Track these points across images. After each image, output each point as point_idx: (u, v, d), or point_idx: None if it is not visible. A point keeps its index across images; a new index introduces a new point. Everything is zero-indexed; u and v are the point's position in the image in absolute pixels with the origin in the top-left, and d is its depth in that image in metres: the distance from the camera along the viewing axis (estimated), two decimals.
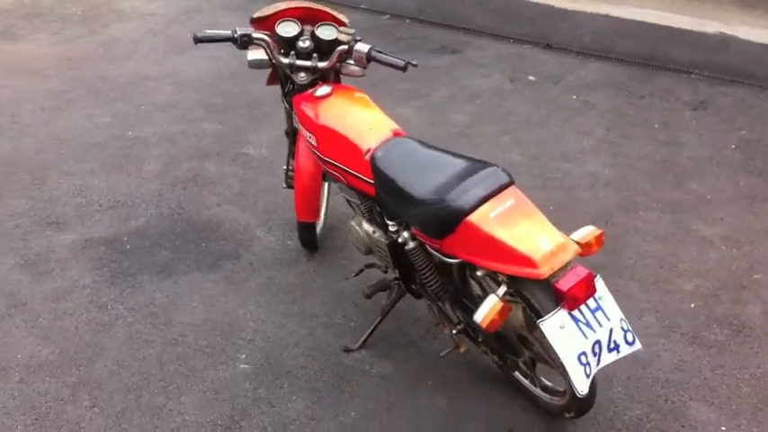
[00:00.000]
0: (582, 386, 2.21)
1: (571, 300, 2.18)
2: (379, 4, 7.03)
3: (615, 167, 4.46)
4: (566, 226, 2.43)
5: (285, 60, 3.02)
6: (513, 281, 2.33)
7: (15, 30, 6.46)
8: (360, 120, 2.84)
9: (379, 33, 6.41)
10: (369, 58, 2.93)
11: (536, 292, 2.29)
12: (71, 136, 4.76)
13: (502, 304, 2.30)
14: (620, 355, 2.29)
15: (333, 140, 2.83)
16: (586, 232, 2.36)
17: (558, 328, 2.20)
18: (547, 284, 2.23)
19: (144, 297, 3.42)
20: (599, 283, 2.27)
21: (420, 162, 2.56)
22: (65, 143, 4.69)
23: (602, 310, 2.26)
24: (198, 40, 2.96)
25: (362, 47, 2.95)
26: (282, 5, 3.10)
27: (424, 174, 2.49)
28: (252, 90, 5.32)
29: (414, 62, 2.91)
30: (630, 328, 2.33)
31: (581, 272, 2.20)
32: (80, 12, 6.87)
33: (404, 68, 2.87)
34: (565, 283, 2.17)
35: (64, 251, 3.72)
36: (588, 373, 2.22)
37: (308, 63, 3.02)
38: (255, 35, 2.97)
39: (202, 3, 7.13)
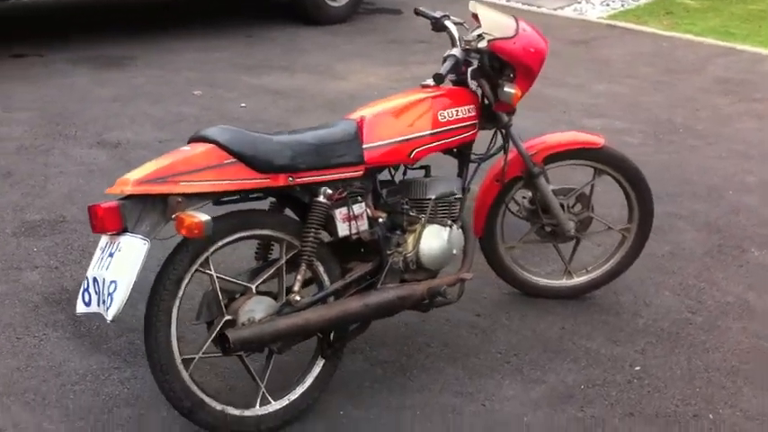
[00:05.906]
0: (78, 306, 2.30)
1: (90, 219, 2.28)
2: None
3: None
4: None
5: (452, 52, 3.04)
6: None
7: None
8: (377, 104, 2.95)
9: None
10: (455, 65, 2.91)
11: None
12: None
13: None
14: (101, 314, 2.22)
15: None
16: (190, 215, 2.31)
17: (99, 247, 2.35)
18: None
19: None
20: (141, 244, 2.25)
21: None
22: None
23: (111, 259, 2.27)
24: (416, 12, 3.17)
25: (454, 51, 2.91)
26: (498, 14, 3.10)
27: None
28: None
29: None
30: (108, 301, 2.20)
31: (106, 205, 2.25)
32: None
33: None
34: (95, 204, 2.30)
35: None
36: (87, 300, 2.28)
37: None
38: (447, 23, 3.06)
39: None
